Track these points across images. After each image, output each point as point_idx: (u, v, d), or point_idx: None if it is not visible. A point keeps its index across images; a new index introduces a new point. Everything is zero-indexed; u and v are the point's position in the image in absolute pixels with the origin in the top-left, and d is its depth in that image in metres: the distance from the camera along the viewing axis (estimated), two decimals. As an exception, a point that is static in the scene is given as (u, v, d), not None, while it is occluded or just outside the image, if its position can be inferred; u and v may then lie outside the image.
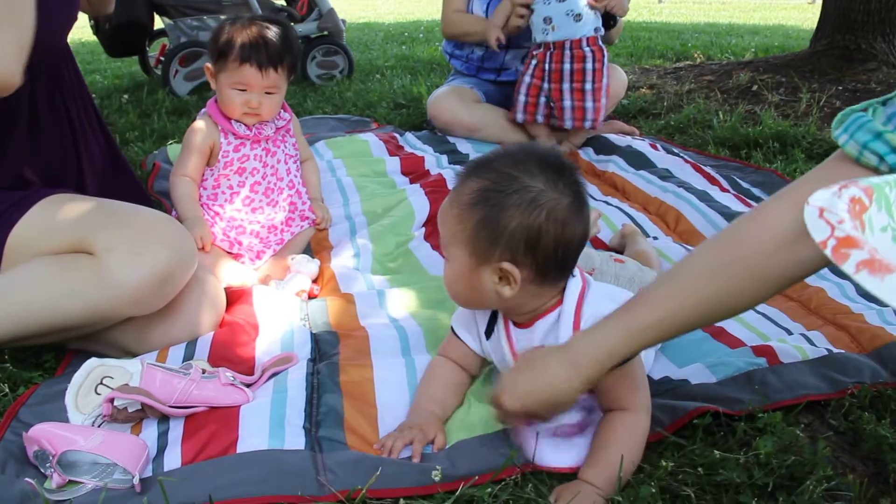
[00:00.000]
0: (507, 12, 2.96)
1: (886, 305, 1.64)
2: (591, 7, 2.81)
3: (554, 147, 1.23)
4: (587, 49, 2.84)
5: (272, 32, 1.95)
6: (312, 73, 4.77)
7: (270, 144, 2.07)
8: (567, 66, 2.86)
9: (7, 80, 1.34)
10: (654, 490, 1.09)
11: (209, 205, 2.03)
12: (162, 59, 4.36)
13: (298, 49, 2.13)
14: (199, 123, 2.02)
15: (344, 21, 4.89)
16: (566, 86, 2.88)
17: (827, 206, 0.58)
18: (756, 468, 1.14)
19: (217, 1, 4.47)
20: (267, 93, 1.98)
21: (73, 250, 1.46)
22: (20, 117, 1.57)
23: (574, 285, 1.24)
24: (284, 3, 5.02)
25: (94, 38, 4.73)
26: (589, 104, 2.87)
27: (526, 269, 1.16)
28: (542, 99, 2.96)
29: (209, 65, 2.00)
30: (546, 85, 2.92)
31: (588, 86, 2.86)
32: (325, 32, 4.81)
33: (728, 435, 1.24)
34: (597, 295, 1.26)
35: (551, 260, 1.16)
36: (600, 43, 2.88)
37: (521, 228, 1.13)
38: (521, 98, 2.99)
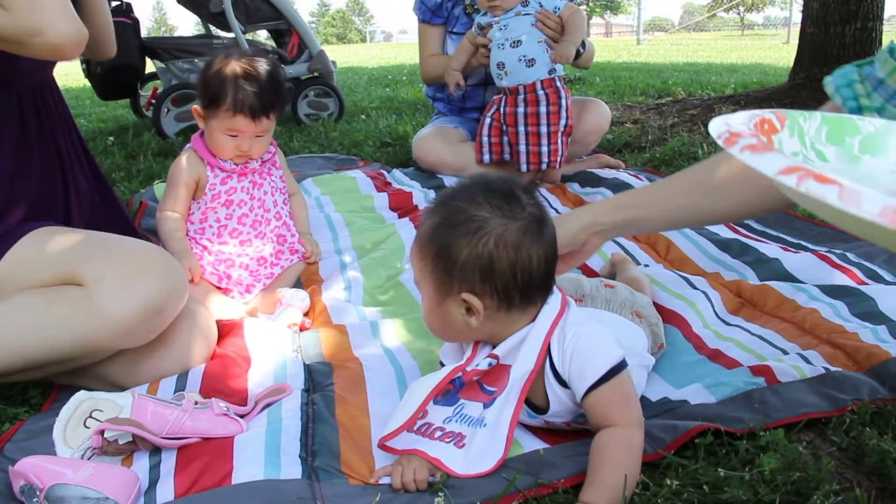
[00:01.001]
0: (467, 52, 2.98)
1: (880, 323, 1.64)
2: (549, 44, 2.82)
3: (508, 176, 1.24)
4: (541, 92, 2.84)
5: (264, 79, 1.93)
6: (303, 114, 4.78)
7: (257, 177, 2.07)
8: (521, 110, 2.87)
9: (68, 39, 1.36)
10: (659, 509, 1.07)
11: (196, 238, 2.01)
12: (154, 101, 4.37)
13: (287, 90, 2.14)
14: (184, 159, 2.01)
15: (335, 63, 4.92)
16: (521, 129, 2.88)
17: (732, 120, 0.60)
18: (761, 485, 1.13)
19: (208, 44, 4.51)
20: (257, 136, 1.99)
21: (61, 282, 1.44)
22: (8, 142, 1.56)
23: (550, 308, 1.24)
24: (274, 46, 5.07)
25: (78, 83, 4.75)
26: (544, 148, 2.86)
27: (487, 297, 1.17)
28: (506, 138, 2.96)
29: (197, 107, 1.98)
30: (504, 128, 2.94)
31: (543, 129, 2.86)
32: (316, 74, 4.84)
33: (730, 454, 1.22)
34: (577, 318, 1.25)
35: (512, 285, 1.17)
36: (557, 84, 2.86)
37: (472, 258, 1.15)
38: (485, 140, 2.99)
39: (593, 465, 1.14)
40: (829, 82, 1.22)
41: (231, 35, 4.62)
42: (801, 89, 4.22)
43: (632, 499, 1.11)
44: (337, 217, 2.56)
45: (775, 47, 14.58)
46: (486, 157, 3.01)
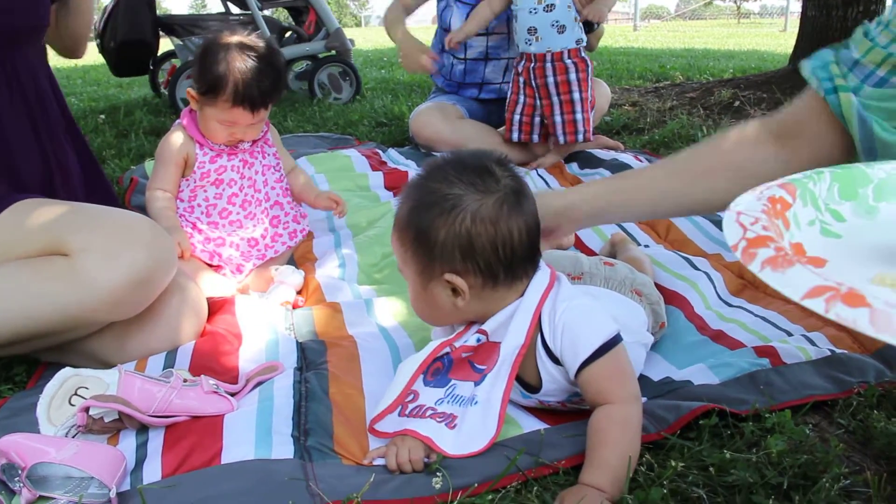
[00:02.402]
0: (483, 22, 2.95)
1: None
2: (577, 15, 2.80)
3: (480, 150, 1.21)
4: (569, 61, 2.82)
5: (264, 70, 1.86)
6: (319, 92, 4.73)
7: (247, 156, 2.00)
8: (551, 80, 2.84)
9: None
10: (664, 492, 1.03)
11: (186, 216, 1.96)
12: (171, 78, 4.33)
13: (286, 77, 2.07)
14: (173, 135, 1.95)
15: (352, 41, 4.88)
16: (554, 98, 2.86)
17: (744, 209, 0.59)
18: (768, 468, 1.09)
19: (224, 20, 4.46)
20: (253, 124, 1.93)
21: (48, 253, 1.40)
22: None
23: (538, 281, 1.20)
24: (292, 23, 5.03)
25: (67, 63, 4.71)
26: (579, 115, 2.85)
27: (471, 276, 1.14)
28: (537, 119, 2.94)
29: (192, 90, 1.90)
30: (538, 102, 2.90)
31: (576, 95, 2.84)
32: (333, 52, 4.80)
33: (735, 436, 1.19)
34: (569, 293, 1.22)
35: (495, 261, 1.14)
36: (583, 54, 2.86)
37: (450, 238, 1.12)
38: (516, 118, 2.97)
39: (591, 444, 1.11)
40: (806, 65, 1.23)
41: (249, 12, 4.59)
42: (800, 73, 4.17)
43: (636, 479, 1.08)
44: (332, 196, 2.51)
45: (772, 35, 14.50)
46: (515, 136, 3.00)
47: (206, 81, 1.84)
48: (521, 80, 2.92)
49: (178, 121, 1.98)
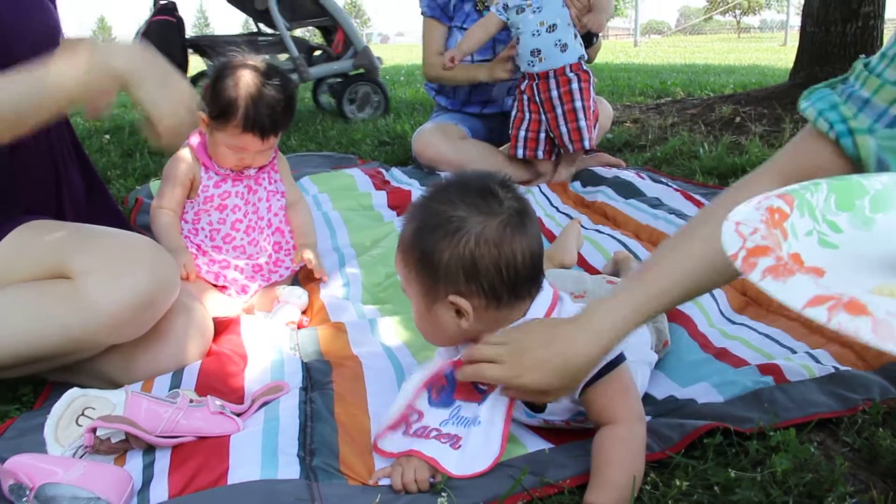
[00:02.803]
0: (478, 41, 2.99)
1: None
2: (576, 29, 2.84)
3: (483, 172, 1.22)
4: (571, 74, 2.85)
5: (276, 97, 1.85)
6: (348, 110, 4.78)
7: (252, 182, 2.00)
8: (555, 93, 2.87)
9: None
10: (670, 510, 1.04)
11: (190, 238, 1.96)
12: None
13: (296, 105, 2.06)
14: (180, 154, 1.95)
15: (380, 59, 4.92)
16: (559, 111, 2.88)
17: (743, 219, 0.59)
18: (773, 487, 1.10)
19: (253, 41, 4.52)
20: (262, 151, 1.94)
21: (51, 276, 1.40)
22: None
23: (541, 301, 1.20)
24: (322, 41, 5.09)
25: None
26: (582, 123, 2.88)
27: (475, 297, 1.14)
28: (542, 135, 2.96)
29: (202, 114, 1.88)
30: (543, 118, 2.92)
31: (578, 104, 2.86)
32: (361, 70, 4.84)
33: (740, 454, 1.19)
34: (571, 311, 1.22)
35: (498, 283, 1.14)
36: (584, 67, 2.89)
37: (454, 260, 1.12)
38: (522, 133, 2.99)
39: (596, 464, 1.11)
40: (809, 107, 1.15)
41: (278, 32, 4.69)
42: (801, 88, 4.10)
43: (641, 499, 1.08)
44: (335, 215, 2.53)
45: (772, 49, 14.57)
46: (521, 153, 3.01)
47: (218, 106, 1.84)
48: (525, 97, 2.95)
49: (186, 141, 1.99)
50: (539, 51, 2.84)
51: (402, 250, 1.19)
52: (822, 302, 0.45)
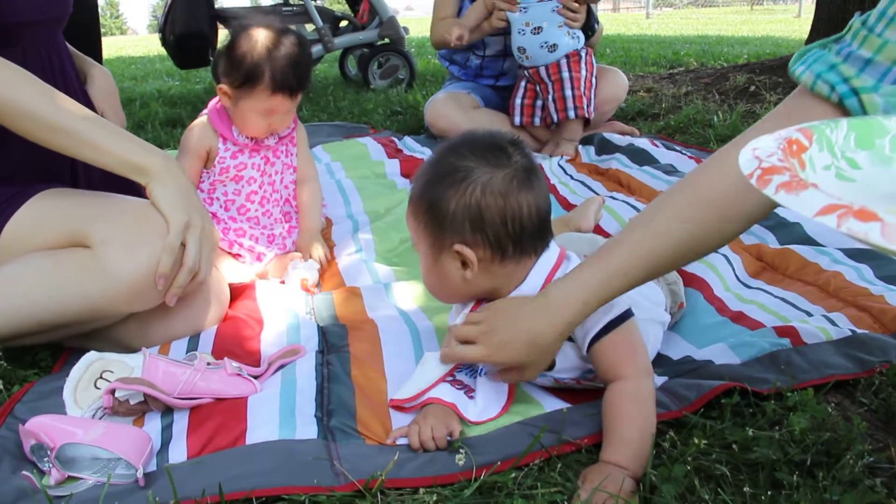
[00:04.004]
0: (480, 13, 2.95)
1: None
2: (570, 27, 2.80)
3: (495, 130, 1.25)
4: (563, 63, 2.85)
5: (297, 53, 1.85)
6: (374, 81, 4.76)
7: (270, 154, 1.99)
8: (544, 75, 2.90)
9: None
10: (688, 468, 1.04)
11: (206, 207, 1.95)
12: None
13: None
14: (197, 124, 1.94)
15: (406, 28, 4.90)
16: (548, 82, 2.90)
17: (761, 145, 0.59)
18: (791, 445, 1.09)
19: (278, 12, 4.51)
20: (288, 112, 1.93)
21: (69, 244, 1.41)
22: None
23: (546, 260, 1.21)
24: (349, 11, 5.07)
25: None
26: (568, 92, 2.85)
27: (479, 248, 1.16)
28: (539, 102, 2.95)
29: (224, 86, 1.86)
30: (538, 88, 2.95)
31: (565, 74, 2.85)
32: (387, 40, 4.82)
33: (757, 414, 1.19)
34: None
35: (503, 234, 1.15)
36: (581, 54, 2.87)
37: (461, 209, 1.14)
38: (517, 101, 3.02)
39: (608, 422, 1.12)
40: (805, 71, 1.09)
41: (302, 2, 4.71)
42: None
43: (659, 455, 1.08)
44: (348, 183, 2.53)
45: (786, 21, 14.37)
46: (517, 120, 3.03)
47: (241, 73, 1.82)
48: (523, 82, 3.00)
49: (203, 111, 1.97)
50: (524, 49, 2.86)
51: (413, 203, 1.21)
52: (834, 210, 0.46)
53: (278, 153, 2.01)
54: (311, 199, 2.08)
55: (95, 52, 3.91)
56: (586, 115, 2.91)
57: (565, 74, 2.85)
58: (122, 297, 1.38)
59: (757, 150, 0.58)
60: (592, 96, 2.92)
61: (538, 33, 2.80)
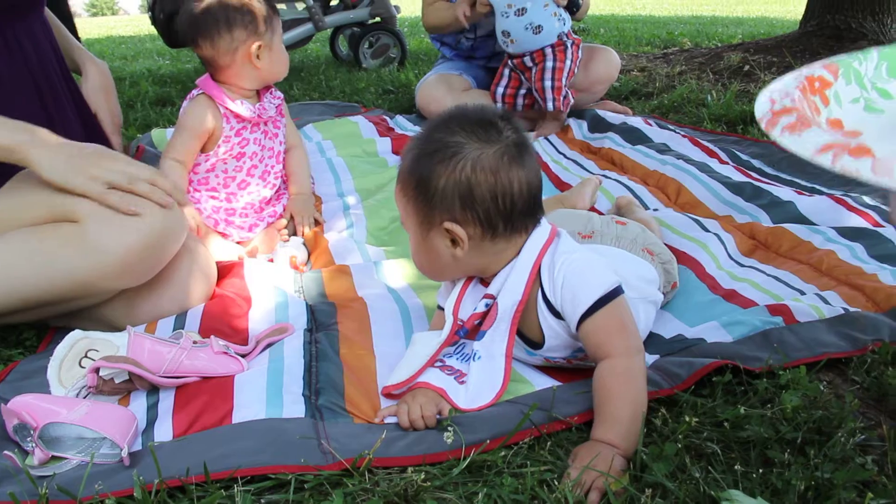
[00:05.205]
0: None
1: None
2: (557, 3, 2.72)
3: (485, 105, 1.22)
4: (549, 52, 2.77)
5: None
6: (365, 61, 4.71)
7: (270, 126, 1.99)
8: (529, 63, 2.83)
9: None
10: (679, 446, 1.03)
11: (199, 188, 1.93)
12: None
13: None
14: (199, 108, 1.88)
15: (398, 7, 4.84)
16: (532, 70, 2.82)
17: (778, 87, 0.59)
18: (782, 423, 1.09)
19: None
20: None
21: (54, 220, 1.38)
22: None
23: (537, 237, 1.19)
24: None
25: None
26: (548, 83, 2.78)
27: (470, 225, 1.14)
28: (523, 90, 2.91)
29: (252, 49, 1.85)
30: (522, 77, 2.89)
31: (549, 63, 2.76)
32: (378, 19, 4.77)
33: (749, 392, 1.18)
34: (569, 246, 1.21)
35: (494, 211, 1.13)
36: (565, 40, 2.79)
37: (451, 185, 1.12)
38: (499, 90, 2.95)
39: (598, 400, 1.11)
40: None
41: None
42: (811, 37, 4.10)
43: (650, 433, 1.07)
44: (339, 161, 2.50)
45: (781, 1, 14.33)
46: (500, 106, 2.95)
47: (263, 19, 1.87)
48: (506, 70, 2.91)
49: (198, 91, 1.92)
50: (508, 33, 2.76)
51: (401, 179, 1.19)
52: (829, 149, 0.45)
53: (277, 123, 2.01)
54: (299, 164, 2.10)
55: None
56: (562, 109, 2.86)
57: (549, 63, 2.77)
58: (112, 272, 1.35)
59: (773, 92, 0.56)
60: (565, 84, 2.83)
61: (522, 14, 2.72)
